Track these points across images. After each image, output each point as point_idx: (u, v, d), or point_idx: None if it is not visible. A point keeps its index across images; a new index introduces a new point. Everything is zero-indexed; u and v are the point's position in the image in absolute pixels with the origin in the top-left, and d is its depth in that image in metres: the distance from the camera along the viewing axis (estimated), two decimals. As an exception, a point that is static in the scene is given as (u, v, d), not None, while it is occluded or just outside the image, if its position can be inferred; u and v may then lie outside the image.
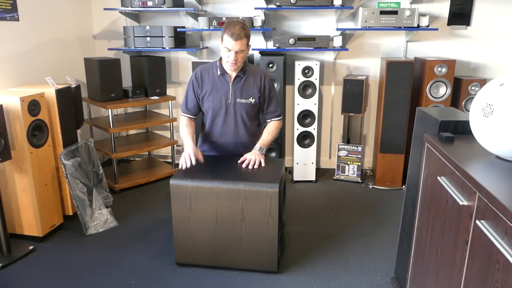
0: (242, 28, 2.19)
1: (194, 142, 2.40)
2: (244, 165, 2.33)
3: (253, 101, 2.39)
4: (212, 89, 2.39)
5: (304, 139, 3.62)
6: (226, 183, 2.17)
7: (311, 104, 3.51)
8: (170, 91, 3.99)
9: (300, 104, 3.52)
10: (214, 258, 2.31)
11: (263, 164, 2.35)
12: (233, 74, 2.37)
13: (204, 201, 2.20)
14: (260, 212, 2.17)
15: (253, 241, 2.23)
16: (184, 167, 2.29)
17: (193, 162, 2.28)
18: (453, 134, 1.58)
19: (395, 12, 3.29)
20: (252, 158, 2.35)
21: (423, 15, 3.38)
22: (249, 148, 2.45)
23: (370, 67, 3.77)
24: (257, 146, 2.42)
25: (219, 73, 2.37)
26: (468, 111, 2.71)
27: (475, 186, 1.16)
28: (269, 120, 2.51)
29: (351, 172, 3.71)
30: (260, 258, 2.27)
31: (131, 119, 3.72)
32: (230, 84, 2.37)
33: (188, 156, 2.29)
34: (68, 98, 2.84)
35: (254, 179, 2.19)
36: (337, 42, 3.51)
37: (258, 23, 3.49)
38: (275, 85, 3.45)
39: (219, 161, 2.44)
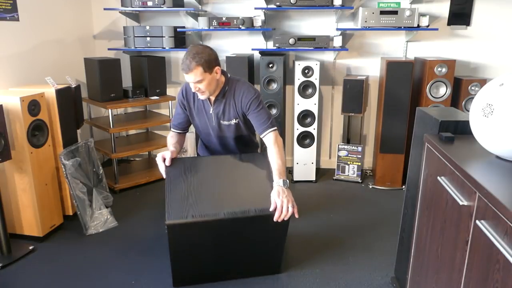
0: (192, 58, 2.00)
1: (175, 151, 2.27)
2: (275, 218, 1.94)
3: (236, 121, 2.27)
4: (197, 112, 2.31)
5: (304, 139, 3.62)
6: (226, 214, 1.92)
7: (311, 104, 3.51)
8: (170, 91, 3.99)
9: (300, 104, 3.52)
10: (215, 276, 2.22)
11: (293, 207, 1.97)
12: (212, 98, 2.23)
13: (205, 234, 2.00)
14: (263, 233, 2.08)
15: (258, 252, 2.19)
16: (161, 168, 2.17)
17: (167, 163, 2.15)
18: (453, 134, 1.58)
19: (395, 12, 3.29)
20: (284, 207, 1.94)
21: (423, 15, 3.38)
22: (249, 147, 2.44)
23: (370, 67, 3.77)
24: (276, 179, 2.03)
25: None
26: (468, 111, 2.71)
27: (475, 186, 1.16)
28: (263, 135, 2.20)
29: (351, 172, 3.71)
30: (263, 265, 2.26)
31: (131, 119, 3.72)
32: (211, 108, 2.26)
33: (162, 157, 2.17)
34: (68, 98, 2.84)
35: (252, 202, 1.97)
36: (337, 42, 3.51)
37: (258, 23, 3.49)
38: (275, 84, 3.46)
39: (216, 177, 2.14)
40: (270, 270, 2.30)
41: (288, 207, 1.94)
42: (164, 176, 2.15)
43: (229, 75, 2.26)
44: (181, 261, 2.08)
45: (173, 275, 2.14)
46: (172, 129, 2.43)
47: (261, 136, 2.23)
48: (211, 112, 2.27)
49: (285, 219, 1.96)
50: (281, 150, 2.16)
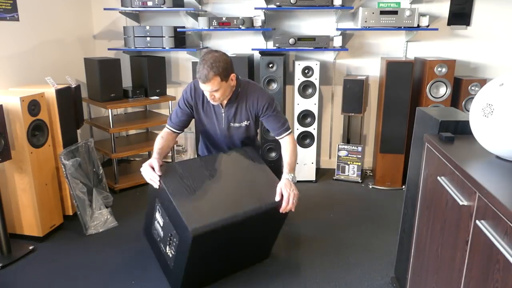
0: (210, 67, 1.97)
1: (160, 158, 2.14)
2: (281, 210, 2.02)
3: (248, 123, 2.28)
4: (206, 113, 2.27)
5: (304, 139, 3.62)
6: (243, 215, 1.96)
7: (311, 104, 3.51)
8: (170, 91, 3.99)
9: (300, 104, 3.52)
10: (219, 275, 2.24)
11: (296, 202, 2.05)
12: (225, 101, 2.21)
13: (221, 238, 2.00)
14: (267, 224, 2.15)
15: (257, 243, 2.23)
16: (152, 178, 2.05)
17: (158, 173, 2.04)
18: (453, 134, 1.58)
19: (395, 12, 3.29)
20: (291, 199, 2.02)
21: (423, 15, 3.38)
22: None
23: (370, 67, 3.77)
24: (286, 172, 2.11)
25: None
26: (468, 111, 2.71)
27: (475, 186, 1.16)
28: (279, 137, 2.26)
29: (351, 172, 3.71)
30: (258, 254, 2.33)
31: (131, 119, 3.72)
32: (223, 110, 2.24)
33: (150, 167, 2.06)
34: (68, 98, 2.84)
35: (259, 198, 2.03)
36: (337, 42, 3.51)
37: (258, 23, 3.49)
38: (278, 86, 3.46)
39: (214, 179, 2.13)
40: (263, 257, 2.38)
41: (294, 201, 2.03)
42: (156, 186, 2.03)
43: (240, 77, 2.24)
44: (192, 269, 2.04)
45: (181, 284, 2.07)
46: (168, 126, 2.30)
47: (277, 138, 2.28)
48: (222, 114, 2.25)
49: (288, 209, 2.04)
50: (296, 150, 2.24)
